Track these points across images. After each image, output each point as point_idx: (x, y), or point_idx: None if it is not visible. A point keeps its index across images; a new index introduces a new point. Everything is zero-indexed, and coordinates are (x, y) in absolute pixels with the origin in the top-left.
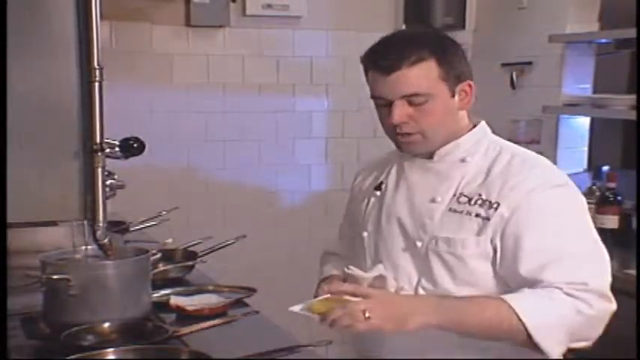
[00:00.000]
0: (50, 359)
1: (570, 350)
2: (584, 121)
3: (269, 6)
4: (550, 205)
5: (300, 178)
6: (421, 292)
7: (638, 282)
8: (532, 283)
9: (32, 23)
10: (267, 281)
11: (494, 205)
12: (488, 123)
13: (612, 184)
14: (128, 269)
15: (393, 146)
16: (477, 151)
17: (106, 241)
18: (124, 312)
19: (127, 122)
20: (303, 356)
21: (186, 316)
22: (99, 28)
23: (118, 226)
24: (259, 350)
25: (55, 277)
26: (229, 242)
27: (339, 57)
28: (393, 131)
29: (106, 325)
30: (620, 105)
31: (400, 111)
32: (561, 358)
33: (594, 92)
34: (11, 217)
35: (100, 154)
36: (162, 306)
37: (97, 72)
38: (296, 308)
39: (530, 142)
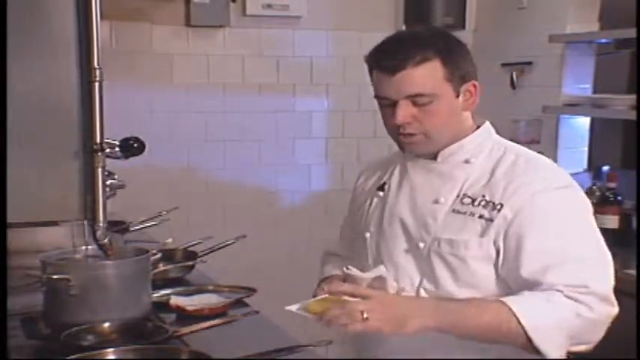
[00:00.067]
0: (50, 359)
1: (570, 353)
2: (584, 121)
3: (269, 6)
4: (553, 207)
5: (300, 178)
6: (422, 293)
7: (638, 282)
8: (533, 285)
9: (32, 23)
10: (267, 281)
11: (498, 207)
12: None
13: (612, 184)
14: (128, 269)
15: (393, 146)
16: (481, 151)
17: (106, 241)
18: (124, 312)
19: (127, 122)
20: (303, 356)
21: (186, 316)
22: (99, 28)
23: (118, 226)
24: (259, 350)
25: (55, 277)
26: (229, 242)
27: (339, 57)
28: (396, 131)
29: (106, 325)
30: (620, 105)
31: (404, 111)
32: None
33: (594, 92)
34: (11, 217)
35: (100, 154)
36: (162, 306)
37: (97, 72)
38: (293, 308)
39: (530, 142)
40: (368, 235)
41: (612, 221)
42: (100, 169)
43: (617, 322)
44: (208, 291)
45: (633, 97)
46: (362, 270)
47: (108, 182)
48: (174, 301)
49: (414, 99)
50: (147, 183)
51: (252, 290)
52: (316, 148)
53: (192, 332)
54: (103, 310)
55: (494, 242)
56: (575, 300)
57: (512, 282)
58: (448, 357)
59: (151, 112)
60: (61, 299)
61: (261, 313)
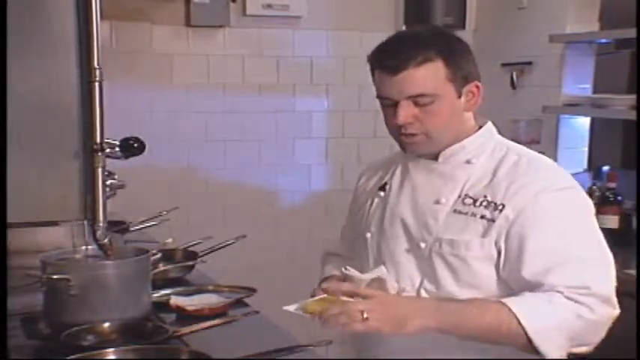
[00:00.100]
0: (50, 359)
1: (571, 354)
2: (584, 121)
3: (269, 6)
4: (555, 208)
5: (300, 178)
6: (423, 293)
7: (638, 282)
8: (534, 286)
9: (32, 23)
10: (267, 281)
11: (500, 207)
12: None
13: (612, 184)
14: (128, 269)
15: (393, 146)
16: (483, 152)
17: (106, 241)
18: (124, 312)
19: (127, 122)
20: (303, 356)
21: (186, 316)
22: (99, 28)
23: (118, 226)
24: (259, 350)
25: (55, 277)
26: (229, 242)
27: (339, 57)
28: (397, 132)
29: (106, 325)
30: (620, 105)
31: (405, 112)
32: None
33: (594, 92)
34: (11, 217)
35: (100, 154)
36: (162, 306)
37: (97, 72)
38: (291, 308)
39: (530, 143)
40: (369, 235)
41: (612, 221)
42: (100, 169)
43: (617, 322)
44: (208, 291)
45: (633, 97)
46: (362, 270)
47: (108, 182)
48: (174, 301)
49: (416, 99)
50: (147, 183)
51: (252, 290)
52: (316, 148)
53: (192, 332)
54: (103, 310)
55: (496, 243)
56: (576, 301)
57: (513, 283)
58: (448, 357)
59: (151, 112)
60: (61, 299)
61: (261, 313)
